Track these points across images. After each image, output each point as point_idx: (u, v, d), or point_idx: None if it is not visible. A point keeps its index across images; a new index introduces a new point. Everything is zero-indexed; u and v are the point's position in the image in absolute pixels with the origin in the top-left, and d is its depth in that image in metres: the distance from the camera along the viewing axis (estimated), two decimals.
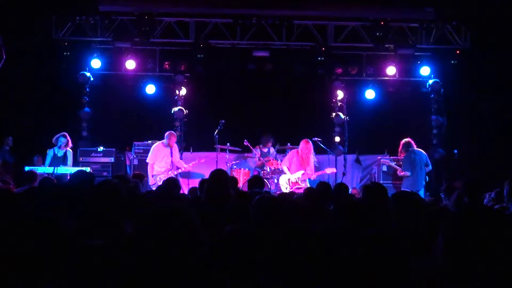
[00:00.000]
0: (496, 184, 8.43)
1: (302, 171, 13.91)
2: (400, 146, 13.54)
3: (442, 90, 15.44)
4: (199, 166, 14.52)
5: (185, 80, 15.66)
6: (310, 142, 14.02)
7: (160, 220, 2.85)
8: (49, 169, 12.87)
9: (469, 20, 14.96)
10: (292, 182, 13.81)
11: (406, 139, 13.48)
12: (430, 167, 13.68)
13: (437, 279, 3.02)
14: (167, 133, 14.02)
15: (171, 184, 7.36)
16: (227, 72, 16.07)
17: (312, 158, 14.13)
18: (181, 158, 14.91)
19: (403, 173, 13.44)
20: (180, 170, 14.13)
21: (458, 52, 15.23)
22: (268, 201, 6.14)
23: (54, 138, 13.64)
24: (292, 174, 13.89)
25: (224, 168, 14.69)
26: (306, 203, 6.58)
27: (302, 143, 13.92)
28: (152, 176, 13.76)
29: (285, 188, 13.62)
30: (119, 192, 4.82)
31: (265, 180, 13.84)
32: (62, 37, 15.50)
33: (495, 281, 2.76)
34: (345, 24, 15.48)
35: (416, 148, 13.53)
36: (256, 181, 8.60)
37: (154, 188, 12.41)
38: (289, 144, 14.97)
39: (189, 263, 2.85)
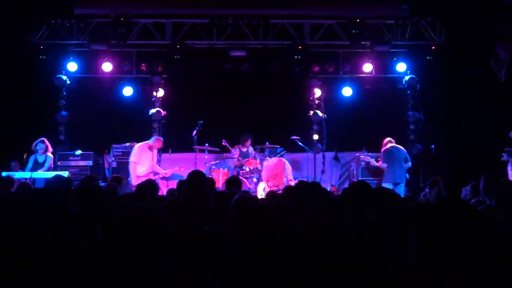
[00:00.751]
0: (473, 178, 8.50)
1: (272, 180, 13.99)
2: (383, 144, 13.87)
3: (418, 86, 15.54)
4: (181, 165, 14.51)
5: (162, 82, 15.62)
6: (282, 160, 14.03)
7: (130, 223, 2.85)
8: (27, 174, 12.78)
9: (444, 16, 15.05)
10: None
11: (388, 138, 13.77)
12: (410, 163, 13.83)
13: (413, 275, 3.05)
14: (156, 137, 14.02)
15: (148, 186, 7.34)
16: (204, 73, 16.05)
17: (286, 174, 14.09)
18: (159, 160, 14.90)
19: (378, 164, 13.69)
20: (158, 176, 14.06)
21: (433, 48, 15.32)
22: (246, 201, 6.17)
23: (33, 145, 13.57)
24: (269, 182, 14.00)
25: (203, 168, 14.69)
26: (285, 202, 6.58)
27: (276, 160, 14.01)
28: (136, 176, 13.61)
29: (260, 195, 13.63)
30: (98, 194, 4.82)
31: (244, 179, 13.90)
32: (38, 40, 15.38)
33: (469, 276, 2.79)
34: (322, 22, 15.52)
35: (395, 144, 13.71)
36: (234, 182, 8.61)
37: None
38: (267, 143, 14.99)
39: (161, 265, 2.85)
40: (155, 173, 13.81)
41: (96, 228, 4.49)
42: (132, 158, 13.73)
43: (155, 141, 13.87)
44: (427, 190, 9.74)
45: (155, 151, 14.06)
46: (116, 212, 2.95)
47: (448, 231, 2.79)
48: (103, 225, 2.97)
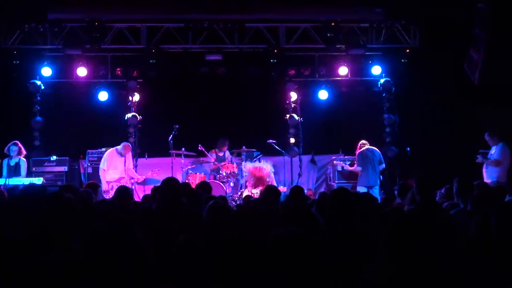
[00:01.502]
0: (448, 180, 8.55)
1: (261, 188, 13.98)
2: (357, 148, 13.94)
3: (394, 88, 15.62)
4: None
5: (138, 86, 15.52)
6: (269, 168, 14.03)
7: (106, 239, 2.83)
8: (1, 181, 12.66)
9: (418, 20, 15.15)
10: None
11: (362, 140, 13.84)
12: (384, 165, 13.93)
13: (383, 281, 3.05)
14: (123, 144, 13.99)
15: (122, 194, 7.30)
16: (180, 77, 16.01)
17: (268, 178, 14.09)
18: (136, 165, 14.85)
19: (353, 168, 13.76)
20: (134, 180, 14.03)
21: (408, 51, 15.42)
22: (219, 207, 6.16)
23: (5, 148, 13.44)
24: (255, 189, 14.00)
25: (180, 173, 14.67)
26: (259, 207, 6.58)
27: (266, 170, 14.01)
28: (107, 182, 13.63)
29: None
30: (70, 206, 4.78)
31: (221, 184, 13.89)
32: (11, 45, 15.24)
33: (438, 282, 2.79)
34: (297, 25, 15.54)
35: (370, 147, 13.79)
36: (203, 187, 8.64)
37: (106, 196, 12.31)
38: (244, 147, 14.99)
39: (135, 277, 2.83)
40: (123, 178, 13.82)
41: (70, 239, 4.46)
42: (101, 165, 13.89)
43: (122, 148, 13.94)
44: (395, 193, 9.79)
45: (128, 156, 14.02)
46: (92, 226, 2.94)
47: (414, 242, 2.79)
48: (82, 239, 2.96)
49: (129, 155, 14.07)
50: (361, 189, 12.98)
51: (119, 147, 13.95)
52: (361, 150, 13.80)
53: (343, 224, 5.59)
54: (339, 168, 14.70)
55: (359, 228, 5.70)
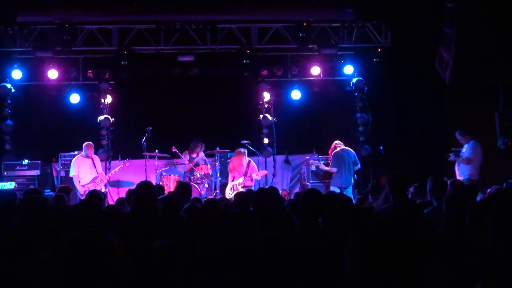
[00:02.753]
0: (421, 178, 8.63)
1: (243, 177, 14.06)
2: (331, 148, 13.95)
3: (366, 88, 15.70)
4: (128, 173, 14.36)
5: (110, 88, 15.42)
6: (241, 151, 14.12)
7: (79, 249, 2.80)
8: None
9: (389, 19, 15.25)
10: (235, 189, 13.81)
11: (336, 141, 13.89)
12: (359, 165, 13.97)
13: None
14: (84, 144, 13.85)
15: (93, 199, 7.23)
16: (153, 78, 15.94)
17: (246, 163, 14.22)
18: (109, 167, 14.75)
19: (328, 168, 13.79)
20: (105, 182, 13.93)
21: (379, 50, 15.51)
22: (195, 210, 6.15)
23: None
24: (234, 181, 14.06)
25: (154, 175, 14.60)
26: (232, 210, 6.56)
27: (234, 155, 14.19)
28: (82, 186, 13.48)
29: (230, 195, 13.61)
30: (44, 210, 4.72)
31: (195, 185, 13.85)
32: None
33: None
34: (269, 26, 15.54)
35: (344, 147, 13.82)
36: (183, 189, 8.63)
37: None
38: (218, 148, 14.97)
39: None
40: (97, 178, 13.73)
41: (41, 246, 4.40)
42: (72, 173, 13.73)
43: (85, 148, 13.80)
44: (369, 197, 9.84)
45: (96, 157, 14.00)
46: (65, 236, 2.89)
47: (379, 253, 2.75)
48: (54, 248, 2.92)
49: (96, 158, 13.93)
50: (334, 189, 13.02)
51: (83, 151, 13.85)
52: (335, 150, 13.80)
53: (314, 225, 5.61)
54: (313, 168, 14.71)
55: (329, 228, 5.74)
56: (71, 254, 2.79)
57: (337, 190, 12.74)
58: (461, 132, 13.30)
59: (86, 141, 14.00)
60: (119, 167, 14.09)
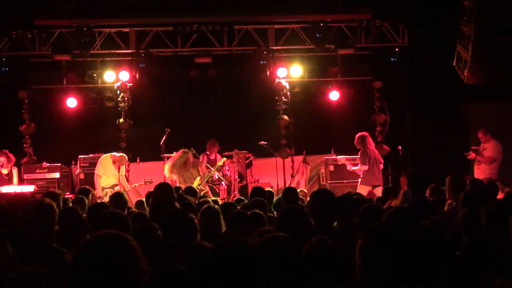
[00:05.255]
0: (440, 178, 8.58)
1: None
2: (356, 139, 13.53)
3: (384, 87, 15.64)
4: (147, 175, 14.34)
5: (128, 90, 15.50)
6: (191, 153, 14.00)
7: (99, 250, 2.80)
8: None
9: (406, 18, 15.19)
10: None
11: (362, 133, 13.54)
12: (382, 165, 13.80)
13: None
14: (121, 155, 13.68)
15: (116, 201, 7.28)
16: (170, 80, 16.00)
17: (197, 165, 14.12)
18: (128, 170, 14.80)
19: (356, 168, 13.44)
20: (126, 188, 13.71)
21: (397, 49, 15.43)
22: (213, 210, 6.18)
23: None
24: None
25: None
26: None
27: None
28: (102, 188, 13.41)
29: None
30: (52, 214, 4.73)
31: (214, 187, 13.89)
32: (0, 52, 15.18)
33: None
34: (285, 27, 15.54)
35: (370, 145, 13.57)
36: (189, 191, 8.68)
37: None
38: (235, 149, 15.00)
39: None
40: (118, 185, 13.47)
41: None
42: (96, 170, 13.56)
43: (119, 158, 13.59)
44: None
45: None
46: (84, 241, 2.88)
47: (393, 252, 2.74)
48: (74, 249, 2.91)
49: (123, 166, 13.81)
50: (363, 188, 12.81)
51: (116, 155, 13.63)
52: (364, 149, 13.41)
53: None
54: (332, 168, 14.65)
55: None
56: (90, 258, 2.79)
57: (367, 189, 12.57)
58: (484, 131, 13.23)
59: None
60: (140, 184, 13.83)
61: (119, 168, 13.47)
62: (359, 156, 13.46)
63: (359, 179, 13.42)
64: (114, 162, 13.50)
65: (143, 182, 13.74)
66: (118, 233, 2.91)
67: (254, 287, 3.33)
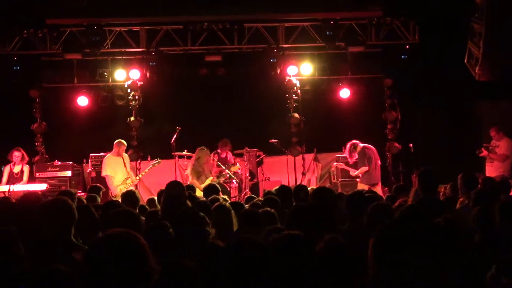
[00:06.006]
0: (451, 176, 8.55)
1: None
2: (347, 149, 13.47)
3: (395, 85, 15.61)
4: (158, 173, 14.33)
5: (139, 89, 15.52)
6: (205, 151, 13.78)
7: (108, 249, 2.81)
8: (4, 188, 12.69)
9: (417, 15, 15.13)
10: None
11: (351, 142, 13.41)
12: (379, 162, 13.73)
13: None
14: (115, 142, 13.51)
15: (128, 199, 7.29)
16: (181, 79, 16.04)
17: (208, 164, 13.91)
18: (139, 168, 14.83)
19: (357, 172, 13.38)
20: (136, 182, 13.68)
21: (407, 47, 15.39)
22: (224, 209, 6.18)
23: (8, 155, 13.50)
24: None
25: (184, 175, 14.69)
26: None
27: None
28: (115, 186, 13.30)
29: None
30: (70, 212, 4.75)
31: (224, 185, 13.87)
32: (11, 51, 15.23)
33: None
34: (295, 25, 15.52)
35: (364, 144, 13.49)
36: (211, 189, 8.65)
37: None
38: (246, 147, 15.01)
39: None
40: (128, 178, 13.39)
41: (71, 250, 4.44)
42: (104, 172, 13.36)
43: (115, 145, 13.42)
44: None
45: (126, 156, 13.69)
46: (96, 238, 2.89)
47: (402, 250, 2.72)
48: (85, 250, 2.92)
49: (126, 157, 13.77)
50: (362, 187, 12.84)
51: (113, 149, 13.50)
52: (358, 149, 13.37)
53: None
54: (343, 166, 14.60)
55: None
56: (99, 256, 2.79)
57: (365, 188, 12.58)
58: (496, 129, 13.17)
59: (127, 148, 14.02)
60: (149, 168, 13.83)
61: (124, 163, 13.36)
62: (357, 157, 13.34)
63: (358, 178, 13.48)
64: (115, 154, 13.39)
65: (151, 165, 13.71)
66: (127, 232, 2.92)
67: (267, 285, 3.33)
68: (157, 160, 13.75)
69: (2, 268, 3.81)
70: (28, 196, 6.10)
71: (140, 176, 13.88)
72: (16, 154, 13.52)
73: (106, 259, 2.77)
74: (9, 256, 3.69)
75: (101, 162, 14.45)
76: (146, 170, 13.80)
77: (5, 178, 13.48)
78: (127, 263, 2.76)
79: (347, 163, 13.86)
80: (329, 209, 5.74)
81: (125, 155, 13.68)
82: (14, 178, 13.41)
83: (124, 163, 13.39)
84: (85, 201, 8.24)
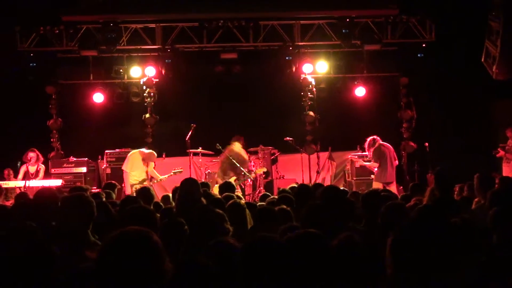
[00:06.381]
0: (467, 175, 8.50)
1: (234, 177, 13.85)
2: (367, 143, 13.60)
3: (411, 83, 15.54)
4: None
5: (154, 86, 15.55)
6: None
7: (123, 247, 2.79)
8: (20, 183, 12.76)
9: (433, 14, 15.04)
10: None
11: (371, 137, 13.54)
12: (397, 161, 13.71)
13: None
14: (150, 151, 13.36)
15: (143, 196, 7.29)
16: (196, 76, 16.05)
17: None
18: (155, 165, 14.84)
19: (367, 164, 13.47)
20: (154, 181, 13.54)
21: (424, 45, 15.30)
22: (238, 206, 6.17)
23: (23, 155, 13.57)
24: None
25: (199, 172, 14.71)
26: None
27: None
28: (130, 185, 13.27)
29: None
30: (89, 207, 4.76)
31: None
32: (27, 48, 15.30)
33: None
34: (311, 22, 15.48)
35: (383, 142, 13.51)
36: (227, 187, 8.64)
37: None
38: (261, 145, 15.00)
39: None
40: (146, 180, 13.17)
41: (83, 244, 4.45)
42: (124, 167, 13.25)
43: (148, 155, 13.25)
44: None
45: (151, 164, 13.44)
46: (110, 236, 2.87)
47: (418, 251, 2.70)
48: (99, 247, 2.90)
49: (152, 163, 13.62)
50: (377, 185, 12.83)
51: (145, 152, 13.33)
52: (375, 146, 13.44)
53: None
54: (357, 165, 14.58)
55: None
56: (113, 254, 2.77)
57: (380, 186, 12.55)
58: None
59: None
60: (170, 174, 13.46)
61: (147, 164, 13.30)
62: (372, 152, 13.43)
63: (373, 176, 13.49)
64: (143, 159, 13.28)
65: (172, 173, 13.49)
66: (142, 229, 2.89)
67: (284, 284, 3.31)
68: (180, 169, 13.61)
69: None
70: (43, 192, 6.12)
71: (158, 181, 13.64)
72: (31, 155, 13.60)
73: (119, 257, 2.76)
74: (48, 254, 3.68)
75: (116, 159, 14.52)
76: (166, 176, 13.61)
77: (21, 175, 13.56)
78: (141, 261, 2.75)
79: (364, 160, 13.89)
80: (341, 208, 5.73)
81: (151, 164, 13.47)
82: (29, 178, 13.45)
83: (148, 166, 13.27)
84: (103, 197, 8.25)
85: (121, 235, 2.84)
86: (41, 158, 13.78)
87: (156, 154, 13.45)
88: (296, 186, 8.75)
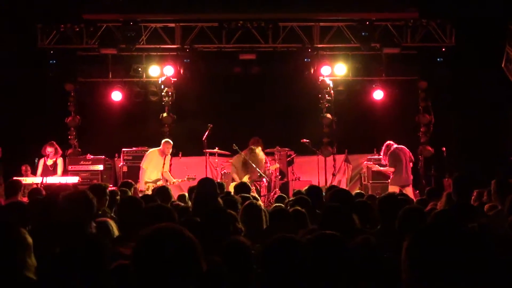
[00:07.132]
0: (486, 180, 8.44)
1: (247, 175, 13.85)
2: (383, 150, 13.51)
3: (429, 87, 15.47)
4: (189, 170, 14.33)
5: (172, 85, 15.60)
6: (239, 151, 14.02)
7: (158, 244, 2.69)
8: (38, 179, 12.83)
9: (453, 18, 14.97)
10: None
11: (386, 143, 13.45)
12: (411, 163, 13.61)
13: None
14: (163, 140, 13.45)
15: (161, 195, 7.31)
16: (214, 76, 16.06)
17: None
18: (170, 164, 14.85)
19: (384, 169, 13.40)
20: (168, 184, 13.30)
21: (443, 49, 15.22)
22: (254, 207, 6.17)
23: (42, 149, 13.64)
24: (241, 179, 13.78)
25: (215, 172, 14.71)
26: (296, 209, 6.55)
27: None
28: (145, 182, 13.32)
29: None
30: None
31: (255, 183, 13.88)
32: (48, 45, 15.40)
33: None
34: (331, 24, 15.46)
35: (398, 145, 13.42)
36: (242, 188, 8.64)
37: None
38: (278, 147, 14.99)
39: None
40: (160, 180, 13.20)
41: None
42: (142, 164, 13.36)
43: (162, 145, 13.33)
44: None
45: (168, 157, 13.58)
46: (144, 231, 2.76)
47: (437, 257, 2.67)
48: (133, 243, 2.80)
49: (169, 158, 13.65)
50: (393, 188, 12.76)
51: (160, 147, 13.37)
52: (391, 150, 13.37)
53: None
54: (373, 169, 14.51)
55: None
56: (153, 251, 2.67)
57: (396, 190, 12.48)
58: None
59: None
60: (183, 179, 13.45)
61: (164, 163, 13.30)
62: (387, 156, 13.33)
63: (389, 180, 13.40)
64: (161, 154, 13.31)
65: (185, 179, 13.39)
66: (178, 227, 2.77)
67: (303, 284, 3.31)
68: (193, 176, 13.53)
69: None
70: (60, 189, 6.17)
71: (170, 183, 13.59)
72: (49, 150, 13.64)
73: (158, 256, 2.66)
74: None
75: (133, 157, 14.57)
76: (179, 180, 13.63)
77: (39, 170, 13.65)
78: (181, 260, 2.66)
79: (380, 164, 13.80)
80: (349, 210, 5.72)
81: (169, 156, 13.60)
82: (48, 171, 13.53)
83: (164, 164, 13.32)
84: (131, 192, 8.28)
85: (160, 231, 2.73)
86: (60, 152, 13.83)
87: (169, 142, 13.45)
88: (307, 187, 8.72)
